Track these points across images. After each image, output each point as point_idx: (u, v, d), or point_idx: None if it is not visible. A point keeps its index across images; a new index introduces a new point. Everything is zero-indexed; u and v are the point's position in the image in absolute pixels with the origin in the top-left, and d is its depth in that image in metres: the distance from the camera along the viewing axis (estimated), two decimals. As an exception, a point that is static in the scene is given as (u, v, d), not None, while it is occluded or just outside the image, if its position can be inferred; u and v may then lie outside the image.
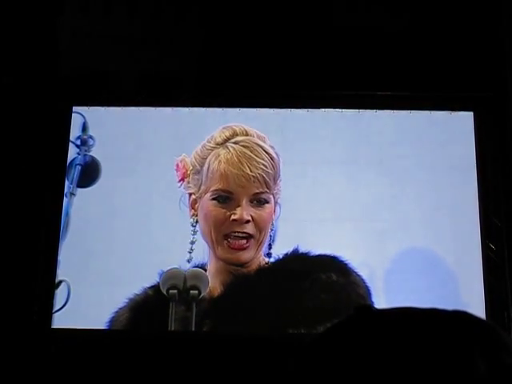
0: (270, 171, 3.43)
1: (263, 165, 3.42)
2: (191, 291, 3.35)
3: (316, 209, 3.59)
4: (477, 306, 3.33)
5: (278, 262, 3.48)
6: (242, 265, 3.45)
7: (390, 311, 0.77)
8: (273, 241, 3.49)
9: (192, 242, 3.48)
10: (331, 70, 3.71)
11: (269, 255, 3.48)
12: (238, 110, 3.69)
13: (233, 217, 3.38)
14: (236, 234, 3.40)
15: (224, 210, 3.41)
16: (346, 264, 3.45)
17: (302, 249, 3.49)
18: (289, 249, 3.50)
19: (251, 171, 3.40)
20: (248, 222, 3.39)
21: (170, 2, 3.88)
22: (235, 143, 3.46)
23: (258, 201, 3.42)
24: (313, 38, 3.76)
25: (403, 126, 3.71)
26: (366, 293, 3.42)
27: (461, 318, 0.74)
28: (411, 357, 0.68)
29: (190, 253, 3.49)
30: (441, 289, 3.47)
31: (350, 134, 3.71)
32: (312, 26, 3.78)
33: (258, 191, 3.41)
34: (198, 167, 3.48)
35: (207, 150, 3.49)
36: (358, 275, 3.44)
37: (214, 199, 3.43)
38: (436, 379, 0.67)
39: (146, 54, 3.84)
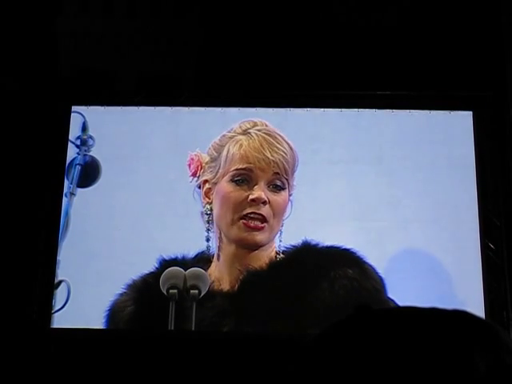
0: (289, 159, 3.44)
1: (283, 152, 3.43)
2: (191, 291, 3.35)
3: (315, 208, 3.59)
4: (476, 305, 3.33)
5: (290, 256, 3.47)
6: (255, 247, 3.43)
7: (389, 311, 0.77)
8: (281, 245, 3.50)
9: (208, 230, 3.48)
10: (330, 69, 3.71)
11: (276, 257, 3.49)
12: (237, 109, 3.69)
13: (251, 196, 3.38)
14: (252, 215, 3.40)
15: (242, 191, 3.41)
16: (359, 257, 3.45)
17: (312, 241, 3.49)
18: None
19: (272, 155, 3.41)
20: (265, 203, 3.39)
21: (169, 1, 3.88)
22: (258, 130, 3.48)
23: (275, 186, 3.42)
24: (312, 37, 3.77)
25: (403, 125, 3.71)
26: (381, 285, 3.42)
27: (461, 317, 0.74)
28: (411, 356, 0.69)
29: (208, 241, 3.48)
30: (440, 288, 3.47)
31: (349, 133, 3.72)
32: (311, 25, 3.78)
33: (276, 172, 3.41)
34: (216, 154, 3.47)
35: (227, 138, 3.49)
36: (371, 266, 3.44)
37: (232, 181, 3.42)
38: (436, 379, 0.67)
39: (146, 54, 3.84)
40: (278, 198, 3.43)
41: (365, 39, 3.75)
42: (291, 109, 3.71)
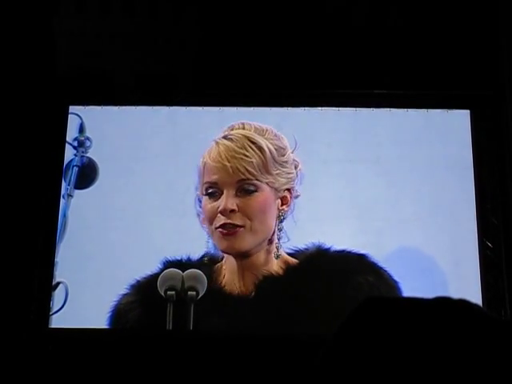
0: (253, 160, 3.39)
1: (244, 154, 3.39)
2: (189, 292, 3.35)
3: (313, 208, 3.58)
4: (474, 304, 3.32)
5: (305, 261, 3.45)
6: (239, 253, 3.42)
7: (398, 301, 0.77)
8: (280, 244, 3.46)
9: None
10: (328, 68, 3.71)
11: (277, 257, 3.45)
12: (234, 108, 3.69)
13: (219, 209, 3.39)
14: (224, 225, 3.38)
15: (214, 203, 3.41)
16: (374, 262, 3.45)
17: (323, 245, 3.47)
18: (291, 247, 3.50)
19: (229, 162, 3.38)
20: (233, 211, 3.37)
21: (166, 1, 3.88)
22: (224, 138, 3.46)
23: (245, 190, 3.40)
24: (309, 36, 3.77)
25: (400, 124, 3.72)
26: (397, 289, 3.42)
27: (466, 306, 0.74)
28: (421, 346, 0.68)
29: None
30: (438, 287, 3.47)
31: (346, 132, 3.72)
32: (308, 25, 3.79)
33: (240, 178, 3.40)
34: None
35: None
36: (386, 271, 3.44)
37: (205, 194, 3.44)
38: (446, 368, 0.67)
39: (143, 54, 3.84)
40: (251, 201, 3.40)
41: (362, 38, 3.75)
42: (289, 108, 3.71)
